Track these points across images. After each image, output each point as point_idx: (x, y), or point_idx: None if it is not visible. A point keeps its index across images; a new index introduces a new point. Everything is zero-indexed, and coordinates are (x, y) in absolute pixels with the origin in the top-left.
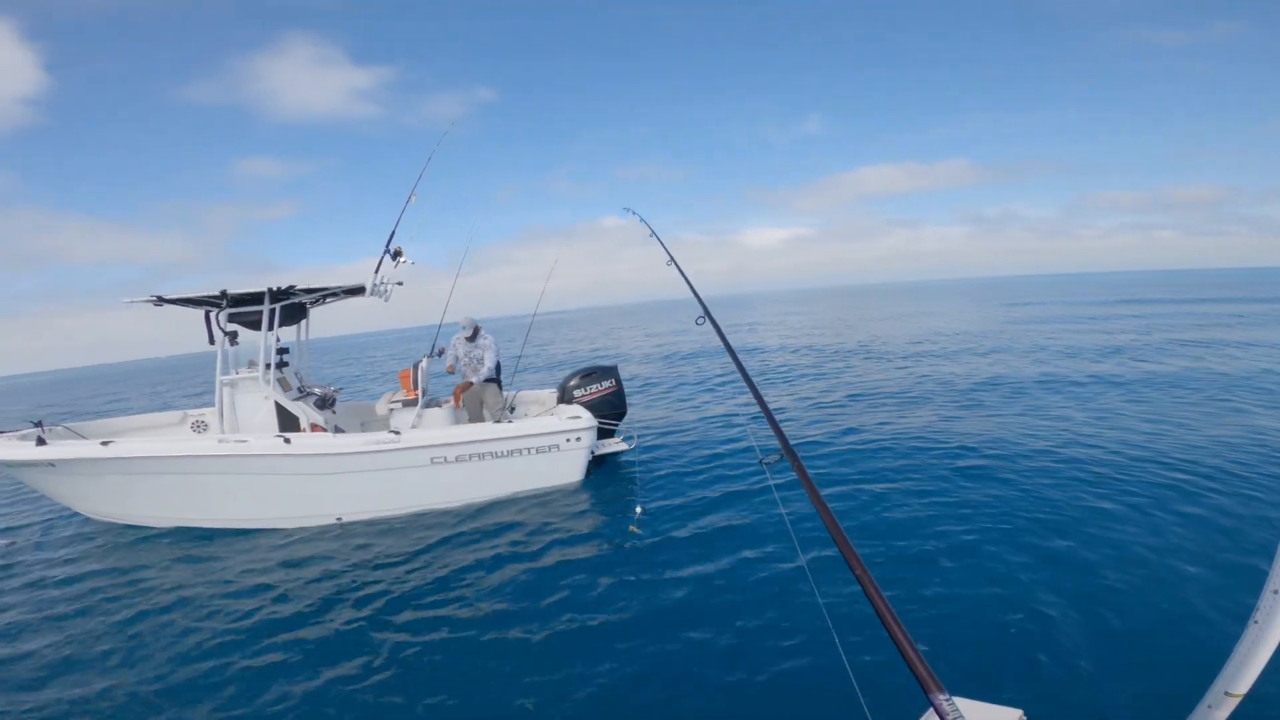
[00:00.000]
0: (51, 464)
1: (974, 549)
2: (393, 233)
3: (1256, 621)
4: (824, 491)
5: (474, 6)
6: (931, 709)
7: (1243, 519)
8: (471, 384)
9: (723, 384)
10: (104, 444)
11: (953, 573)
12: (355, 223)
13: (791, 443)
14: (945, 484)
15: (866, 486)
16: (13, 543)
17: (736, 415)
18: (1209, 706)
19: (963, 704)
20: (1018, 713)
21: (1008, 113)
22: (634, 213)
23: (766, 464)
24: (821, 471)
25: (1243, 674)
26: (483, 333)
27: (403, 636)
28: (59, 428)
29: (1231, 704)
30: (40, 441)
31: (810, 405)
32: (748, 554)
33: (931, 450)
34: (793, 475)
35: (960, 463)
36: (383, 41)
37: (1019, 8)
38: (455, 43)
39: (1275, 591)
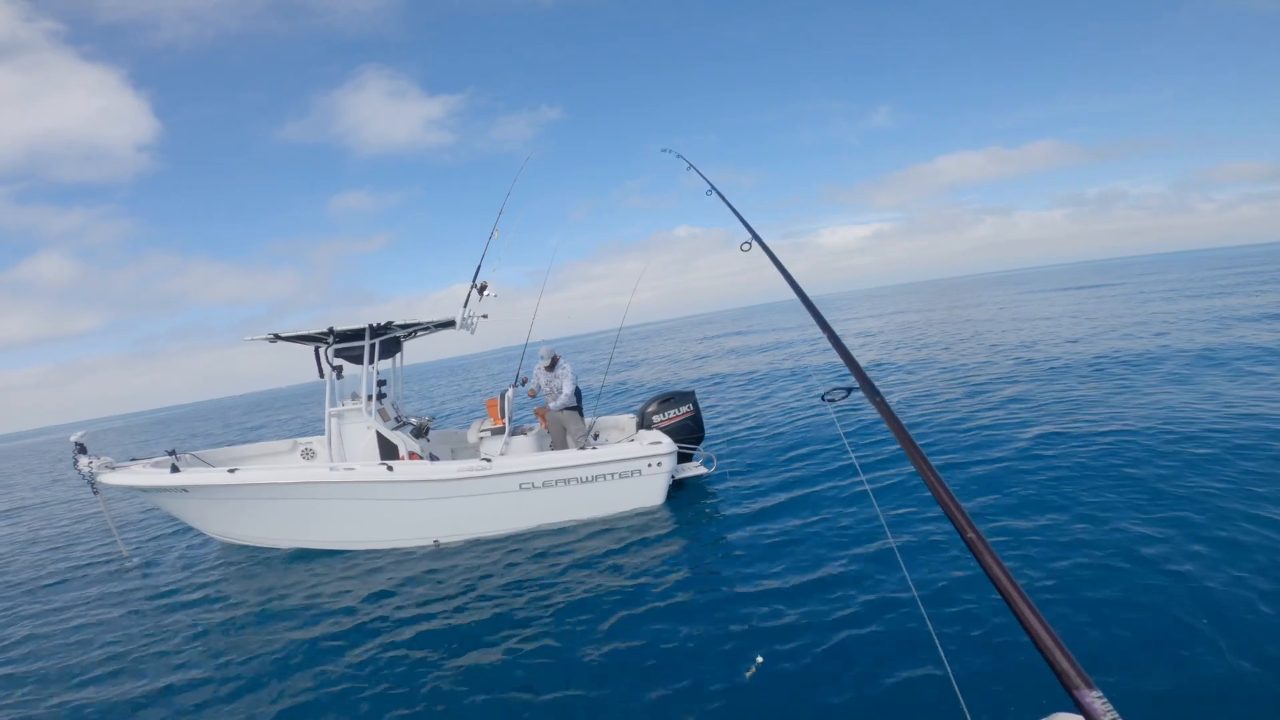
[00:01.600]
0: (185, 489)
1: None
2: (479, 267)
3: None
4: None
5: (533, 29)
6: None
7: None
8: (549, 408)
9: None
10: (231, 471)
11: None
12: (440, 250)
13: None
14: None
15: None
16: (136, 562)
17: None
18: None
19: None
20: None
21: (1098, 92)
22: (672, 151)
23: (830, 400)
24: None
25: None
26: (561, 361)
27: (495, 646)
28: (188, 456)
29: None
30: (174, 469)
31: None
32: (832, 567)
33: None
34: (888, 467)
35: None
36: (448, 70)
37: None
38: (518, 65)
39: None
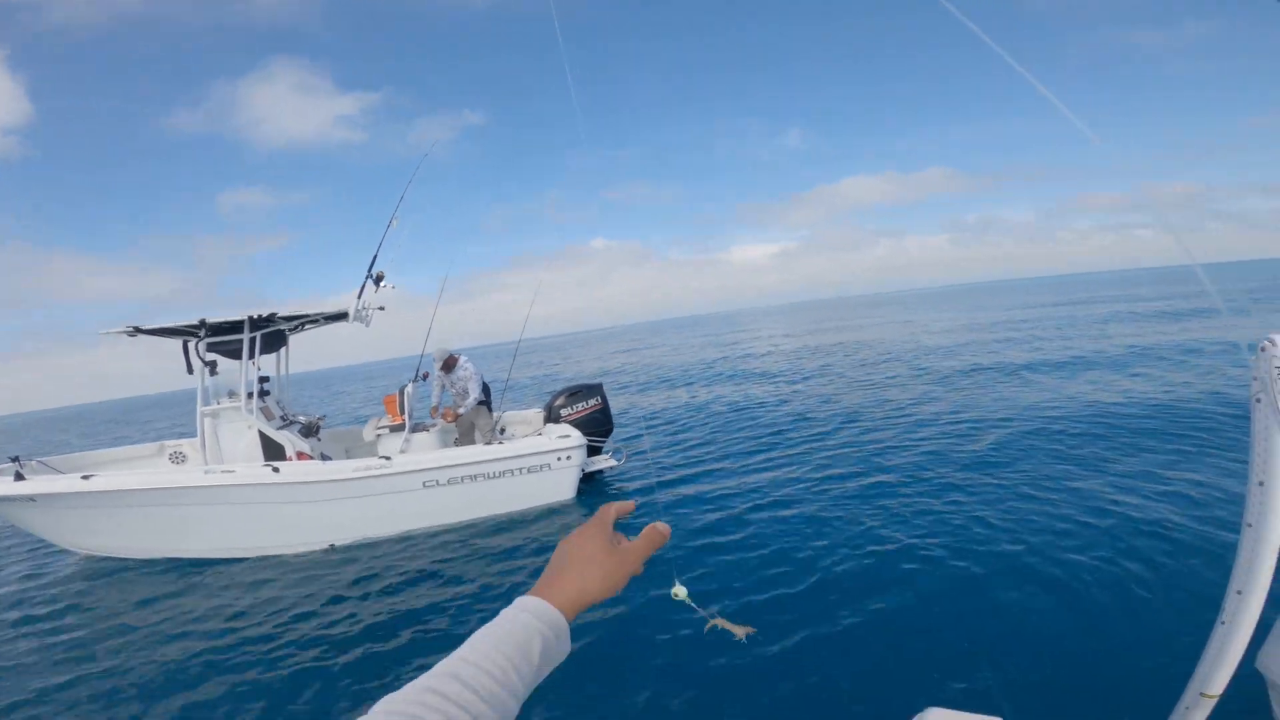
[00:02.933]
0: (32, 499)
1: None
2: (374, 257)
3: (1223, 623)
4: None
5: (458, 31)
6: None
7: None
8: (459, 412)
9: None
10: (85, 478)
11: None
12: (344, 253)
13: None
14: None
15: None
16: None
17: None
18: (1186, 708)
19: (941, 713)
20: None
21: (986, 120)
22: None
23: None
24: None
25: (1215, 675)
26: (461, 361)
27: (402, 655)
28: (34, 463)
29: (1209, 705)
30: (18, 476)
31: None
32: (729, 568)
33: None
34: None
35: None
36: (367, 67)
37: (996, 15)
38: (441, 68)
39: (1239, 592)
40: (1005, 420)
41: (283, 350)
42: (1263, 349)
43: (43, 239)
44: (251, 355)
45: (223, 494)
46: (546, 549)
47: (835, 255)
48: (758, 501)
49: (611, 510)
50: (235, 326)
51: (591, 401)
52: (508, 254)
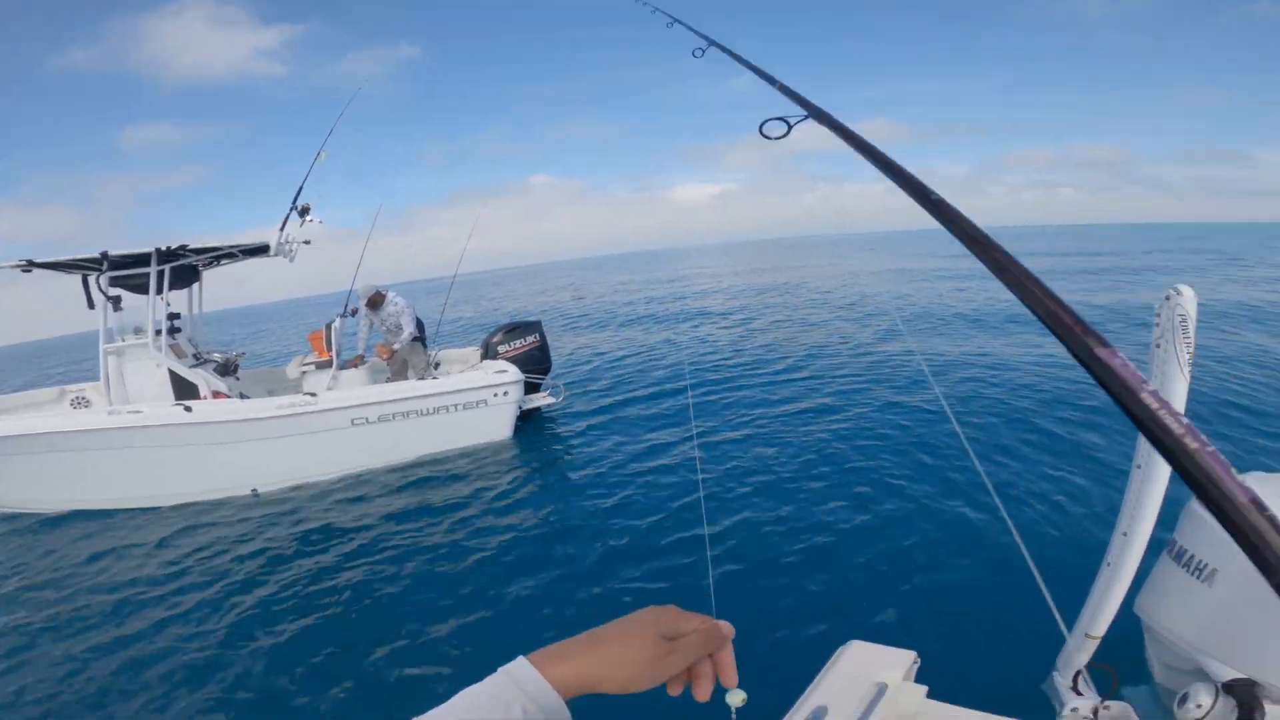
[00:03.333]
0: None
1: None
2: (299, 189)
3: (1109, 564)
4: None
5: None
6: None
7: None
8: (395, 349)
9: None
10: None
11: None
12: (264, 189)
13: None
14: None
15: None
16: None
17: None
18: (1072, 649)
19: (861, 645)
20: (912, 654)
21: (931, 76)
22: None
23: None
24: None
25: (1099, 617)
26: (390, 297)
27: (329, 602)
28: None
29: (1092, 645)
30: None
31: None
32: (671, 507)
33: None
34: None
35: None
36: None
37: None
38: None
39: (1124, 534)
40: (938, 371)
41: (196, 286)
42: (1167, 297)
43: None
44: (160, 290)
45: (130, 436)
46: (483, 489)
47: (776, 198)
48: (703, 438)
49: (685, 620)
50: (142, 260)
51: (530, 338)
52: (445, 189)
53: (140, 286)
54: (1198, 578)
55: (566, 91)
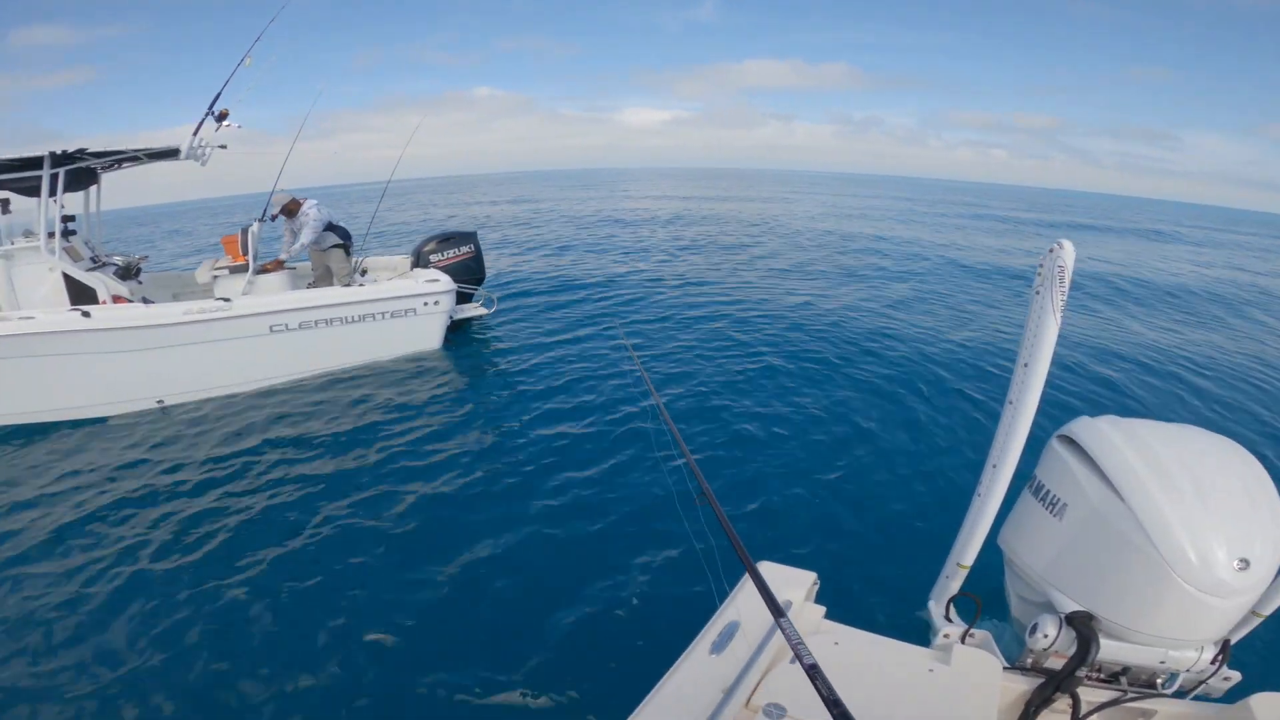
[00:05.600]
0: None
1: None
2: (219, 94)
3: (979, 495)
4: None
5: None
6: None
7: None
8: (282, 260)
9: (591, 243)
10: None
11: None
12: (173, 93)
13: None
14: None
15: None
16: None
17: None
18: (946, 577)
19: (769, 565)
20: (813, 575)
21: (895, 25)
22: None
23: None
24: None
25: (969, 546)
26: (306, 206)
27: (238, 526)
28: None
29: (963, 574)
30: None
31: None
32: (603, 422)
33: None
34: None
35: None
36: None
37: None
38: None
39: (994, 466)
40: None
41: (94, 189)
42: (1051, 250)
43: None
44: (53, 193)
45: (21, 344)
46: (409, 404)
47: (725, 130)
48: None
49: None
50: (32, 162)
51: (464, 249)
52: (375, 94)
53: (31, 189)
54: (1050, 512)
55: (516, 6)
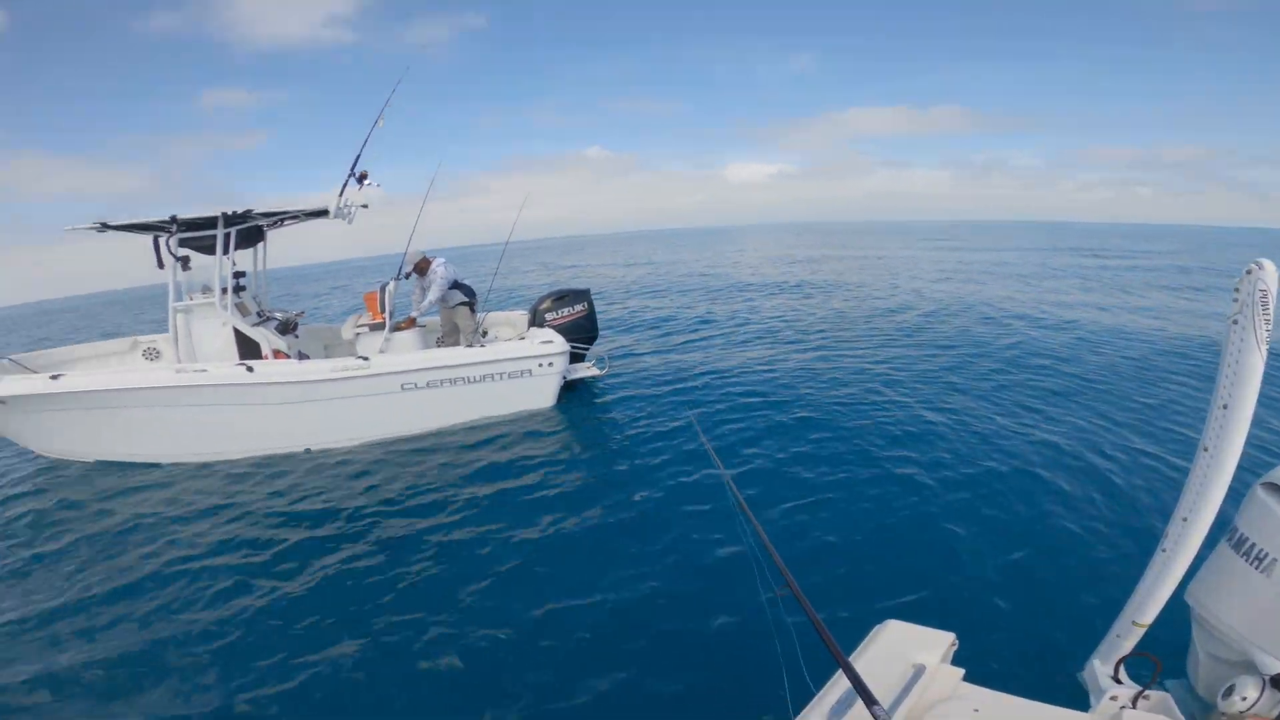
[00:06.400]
0: (2, 401)
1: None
2: (358, 156)
3: (1164, 550)
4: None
5: None
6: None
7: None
8: (413, 317)
9: (688, 321)
10: (54, 378)
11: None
12: (328, 153)
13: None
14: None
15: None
16: None
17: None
18: (1117, 636)
19: (899, 625)
20: (950, 636)
21: (1010, 62)
22: None
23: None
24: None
25: (1149, 603)
26: (435, 265)
27: (375, 562)
28: (5, 361)
29: (1139, 633)
30: None
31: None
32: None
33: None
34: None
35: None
36: None
37: None
38: None
39: (1184, 519)
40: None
41: (260, 246)
42: (1249, 271)
43: (10, 142)
44: (226, 250)
45: (196, 395)
46: (520, 459)
47: (833, 182)
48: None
49: None
50: (209, 222)
51: (578, 307)
52: (497, 156)
53: (207, 247)
54: (1257, 567)
55: (625, 66)
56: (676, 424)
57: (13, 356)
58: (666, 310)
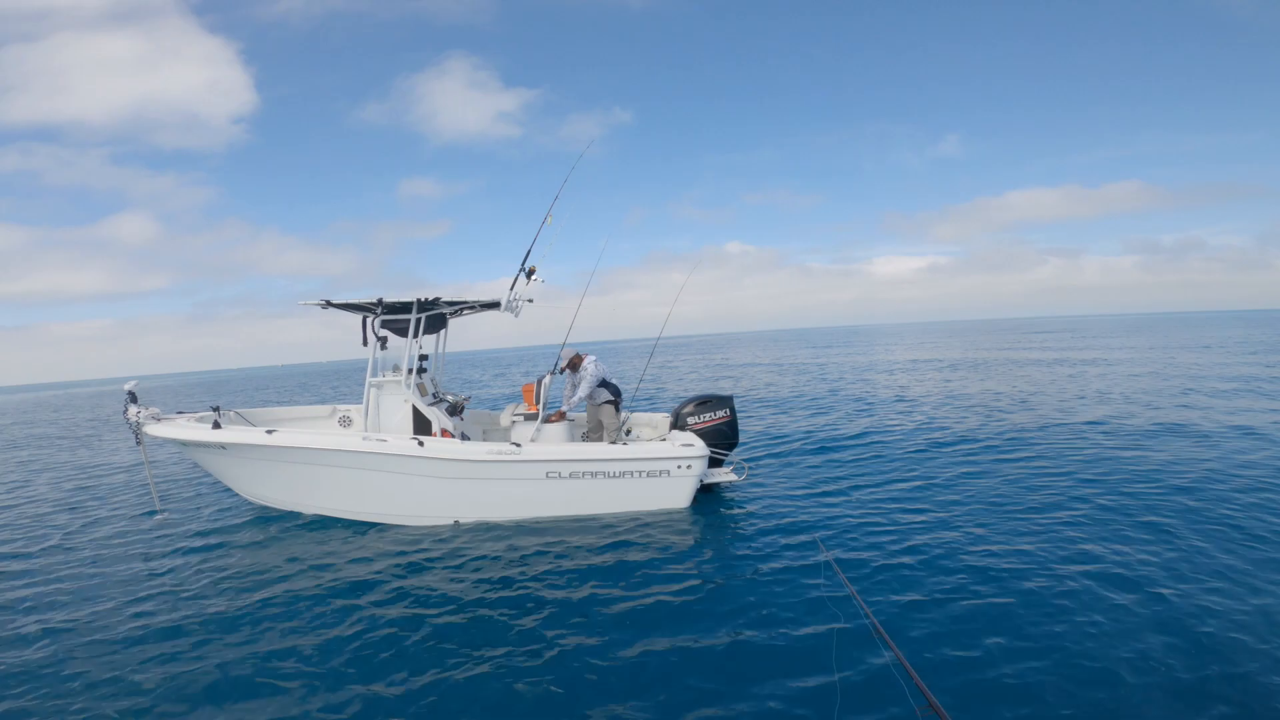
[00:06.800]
0: (224, 446)
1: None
2: (528, 251)
3: None
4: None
5: (619, 31)
6: None
7: None
8: (564, 412)
9: (827, 424)
10: (269, 432)
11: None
12: (494, 243)
13: None
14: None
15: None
16: (167, 516)
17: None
18: None
19: None
20: None
21: (1185, 130)
22: None
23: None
24: None
25: None
26: (586, 362)
27: (503, 633)
28: (232, 413)
29: None
30: (216, 425)
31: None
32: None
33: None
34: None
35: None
36: (529, 63)
37: (1198, 12)
38: (598, 64)
39: None
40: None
41: (442, 332)
42: None
43: (256, 217)
44: (415, 334)
45: (374, 460)
46: (656, 554)
47: (993, 275)
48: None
49: None
50: (405, 307)
51: (720, 413)
52: (642, 252)
53: (401, 330)
54: None
55: (760, 158)
56: (803, 539)
57: (238, 410)
58: (813, 421)
